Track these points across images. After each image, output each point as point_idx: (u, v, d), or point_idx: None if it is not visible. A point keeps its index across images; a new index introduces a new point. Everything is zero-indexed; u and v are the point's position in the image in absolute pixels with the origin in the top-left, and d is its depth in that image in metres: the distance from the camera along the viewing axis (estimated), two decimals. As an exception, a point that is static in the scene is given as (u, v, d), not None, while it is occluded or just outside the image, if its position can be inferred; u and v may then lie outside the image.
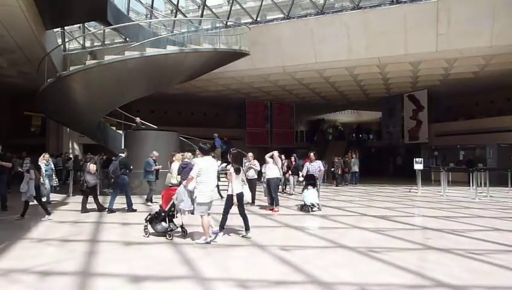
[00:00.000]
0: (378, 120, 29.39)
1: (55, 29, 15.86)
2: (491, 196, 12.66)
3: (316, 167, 10.07)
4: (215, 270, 4.71)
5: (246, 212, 6.60)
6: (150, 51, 11.52)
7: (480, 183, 13.60)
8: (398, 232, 7.08)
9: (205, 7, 17.80)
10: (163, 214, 6.45)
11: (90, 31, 19.15)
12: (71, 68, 11.32)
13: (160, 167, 11.19)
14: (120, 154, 9.99)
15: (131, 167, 9.95)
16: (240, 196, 6.44)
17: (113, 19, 12.72)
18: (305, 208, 9.42)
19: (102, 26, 15.33)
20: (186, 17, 20.61)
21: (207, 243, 5.96)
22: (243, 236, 6.52)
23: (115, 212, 9.17)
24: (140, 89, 12.87)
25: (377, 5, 14.95)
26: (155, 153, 11.12)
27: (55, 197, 11.73)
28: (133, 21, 16.48)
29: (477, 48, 14.62)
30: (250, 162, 10.56)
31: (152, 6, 19.31)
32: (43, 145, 21.75)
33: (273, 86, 21.42)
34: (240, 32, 14.29)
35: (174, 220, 6.53)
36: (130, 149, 12.98)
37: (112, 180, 9.78)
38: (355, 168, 18.83)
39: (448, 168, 16.85)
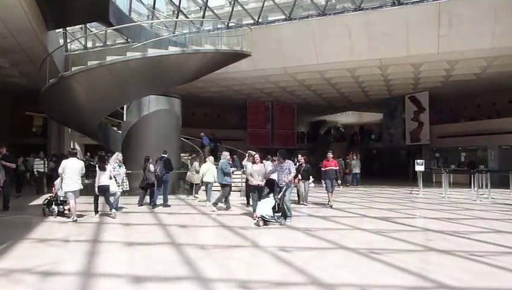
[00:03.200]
0: (379, 121, 29.39)
1: (57, 30, 15.88)
2: (493, 198, 12.64)
3: (284, 169, 8.12)
4: (216, 271, 4.72)
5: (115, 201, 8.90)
6: (152, 52, 11.54)
7: (482, 185, 13.59)
8: (399, 233, 7.08)
9: (207, 8, 17.84)
10: (51, 199, 8.74)
11: (92, 31, 19.19)
12: (73, 69, 11.34)
13: (235, 169, 10.88)
14: (163, 155, 11.05)
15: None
16: (105, 187, 8.47)
17: (115, 20, 12.74)
18: (257, 220, 7.67)
19: (104, 27, 15.34)
20: (187, 18, 20.63)
21: (74, 221, 7.88)
22: (111, 216, 8.35)
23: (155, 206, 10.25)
24: (142, 90, 12.88)
25: (379, 6, 14.96)
26: (226, 154, 10.87)
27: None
28: (135, 22, 16.51)
29: (478, 49, 14.61)
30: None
31: (154, 7, 19.33)
32: (45, 145, 21.81)
33: (274, 87, 21.44)
34: (241, 33, 14.29)
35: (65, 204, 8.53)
36: (130, 114, 14.08)
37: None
38: (356, 170, 18.83)
39: (450, 170, 16.83)
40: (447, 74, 17.84)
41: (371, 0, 15.80)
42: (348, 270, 4.77)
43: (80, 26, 18.77)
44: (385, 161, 27.43)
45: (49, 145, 22.12)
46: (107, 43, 19.41)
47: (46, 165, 13.99)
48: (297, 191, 11.29)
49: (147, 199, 10.66)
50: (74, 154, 8.60)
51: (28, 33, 11.53)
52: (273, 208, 7.71)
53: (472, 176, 14.56)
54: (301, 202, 11.11)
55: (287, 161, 8.28)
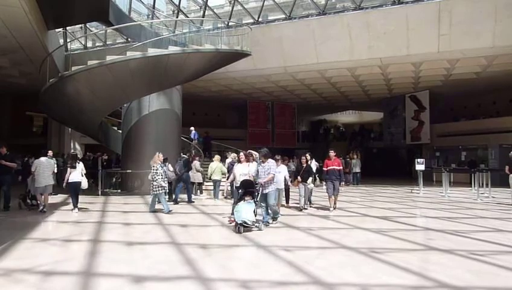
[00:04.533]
0: (379, 121, 29.39)
1: (57, 30, 15.87)
2: (493, 197, 12.64)
3: (265, 169, 7.52)
4: (217, 271, 4.71)
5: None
6: (152, 51, 11.54)
7: (482, 184, 13.59)
8: (400, 232, 7.07)
9: (207, 8, 17.83)
10: (26, 195, 9.90)
11: (92, 31, 19.18)
12: (73, 68, 11.33)
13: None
14: (183, 156, 12.20)
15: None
16: (76, 184, 9.34)
17: (115, 20, 12.72)
18: (237, 227, 6.93)
19: (104, 27, 15.34)
20: (187, 17, 20.63)
21: (43, 211, 9.11)
22: (72, 210, 9.28)
23: (178, 203, 11.04)
24: (142, 90, 12.88)
25: (379, 5, 14.94)
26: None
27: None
28: (135, 21, 16.49)
29: (479, 48, 14.60)
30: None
31: (154, 7, 19.34)
32: (45, 145, 21.82)
33: (274, 86, 21.44)
34: (241, 32, 14.27)
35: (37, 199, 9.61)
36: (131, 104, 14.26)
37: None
38: (357, 169, 18.84)
39: (450, 169, 16.81)
40: (448, 73, 17.83)
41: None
42: (349, 269, 4.76)
43: (80, 25, 18.76)
44: (386, 160, 27.42)
45: (49, 145, 22.07)
46: (107, 43, 19.40)
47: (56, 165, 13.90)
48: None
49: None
50: (45, 155, 9.92)
51: (28, 33, 11.52)
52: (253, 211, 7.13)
53: (472, 175, 14.55)
54: (303, 206, 9.85)
55: (269, 160, 7.63)
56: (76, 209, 9.31)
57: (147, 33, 14.18)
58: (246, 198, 7.21)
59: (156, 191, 9.22)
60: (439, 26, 14.05)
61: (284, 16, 16.11)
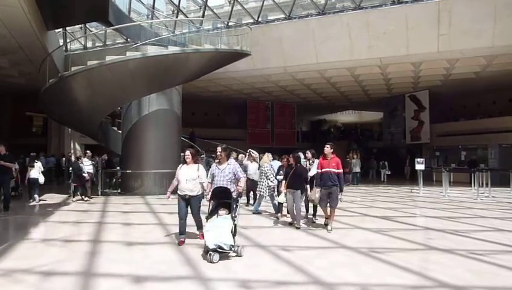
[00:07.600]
0: (379, 120, 29.40)
1: (56, 30, 15.86)
2: (493, 197, 12.64)
3: (226, 173, 5.92)
4: (217, 271, 4.71)
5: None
6: (151, 51, 11.53)
7: (482, 184, 13.59)
8: (400, 232, 7.07)
9: (206, 8, 17.83)
10: None
11: (91, 31, 19.18)
12: (73, 68, 11.33)
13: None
14: (208, 156, 12.51)
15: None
16: (35, 180, 10.87)
17: (114, 20, 12.71)
18: (208, 254, 5.03)
19: (103, 27, 15.34)
20: (187, 17, 20.62)
21: None
22: (32, 203, 10.62)
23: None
24: (142, 90, 12.87)
25: (379, 5, 14.96)
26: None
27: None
28: (135, 21, 16.48)
29: (478, 48, 14.62)
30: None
31: (153, 7, 19.34)
32: (45, 145, 21.82)
33: (274, 86, 21.44)
34: (241, 32, 14.28)
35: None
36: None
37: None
38: (357, 169, 18.84)
39: (450, 169, 16.82)
40: (447, 72, 17.84)
41: (371, -1, 15.82)
42: (349, 269, 4.76)
43: (80, 26, 18.75)
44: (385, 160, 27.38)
45: (49, 145, 22.11)
46: (107, 43, 19.39)
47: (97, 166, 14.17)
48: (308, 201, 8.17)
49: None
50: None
51: (27, 33, 11.51)
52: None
53: (472, 174, 14.56)
54: (294, 222, 7.57)
55: (230, 162, 6.15)
56: (32, 201, 10.74)
57: (147, 33, 14.18)
58: (221, 212, 5.42)
59: (269, 192, 9.08)
60: (438, 26, 14.06)
61: (283, 16, 16.12)
